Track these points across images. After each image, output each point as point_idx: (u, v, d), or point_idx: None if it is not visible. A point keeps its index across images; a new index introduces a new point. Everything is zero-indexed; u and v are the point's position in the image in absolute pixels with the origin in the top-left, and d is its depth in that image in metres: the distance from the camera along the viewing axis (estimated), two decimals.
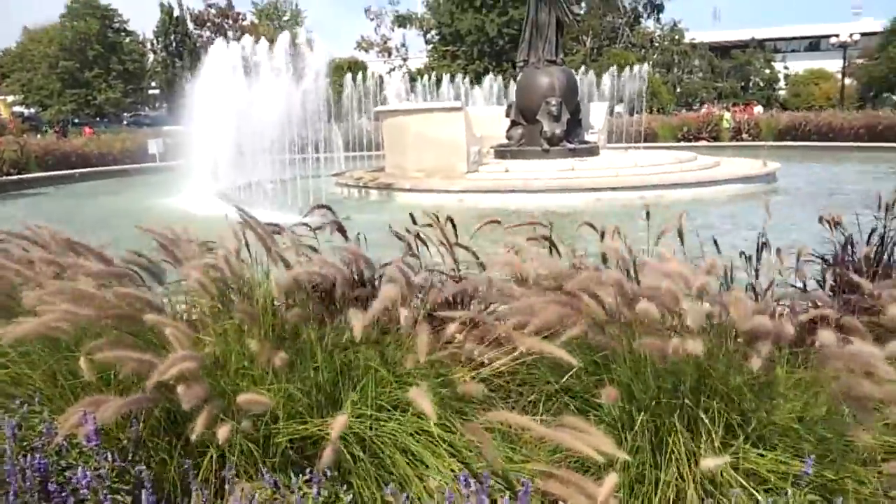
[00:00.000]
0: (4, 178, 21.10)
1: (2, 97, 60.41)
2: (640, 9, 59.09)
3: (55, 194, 19.81)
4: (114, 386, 2.34)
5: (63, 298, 2.18)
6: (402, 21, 56.51)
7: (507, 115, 18.14)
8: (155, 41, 55.89)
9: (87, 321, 2.21)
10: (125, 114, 52.92)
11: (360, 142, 25.35)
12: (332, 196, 14.84)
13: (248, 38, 18.51)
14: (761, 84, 62.94)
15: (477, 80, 35.55)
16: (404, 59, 58.24)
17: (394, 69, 55.18)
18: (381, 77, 33.36)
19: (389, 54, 59.47)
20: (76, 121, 50.44)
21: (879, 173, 19.44)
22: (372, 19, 59.14)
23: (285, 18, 75.62)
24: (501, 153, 17.37)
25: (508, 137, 17.89)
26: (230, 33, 71.11)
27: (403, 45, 59.51)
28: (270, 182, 16.14)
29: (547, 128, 16.84)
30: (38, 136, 33.05)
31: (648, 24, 61.10)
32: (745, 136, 29.64)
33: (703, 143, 29.27)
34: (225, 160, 17.15)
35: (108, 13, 53.16)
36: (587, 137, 18.52)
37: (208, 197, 15.64)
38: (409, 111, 16.92)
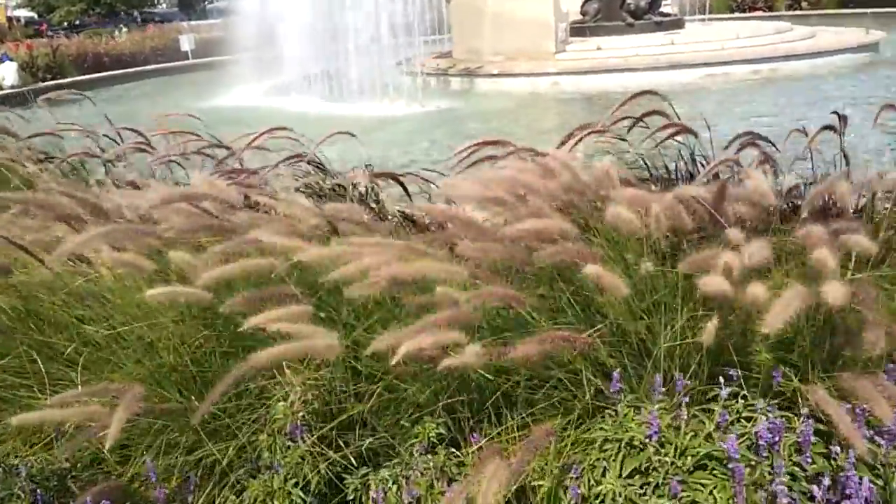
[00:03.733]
0: (42, 83, 20.00)
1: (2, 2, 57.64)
2: None
3: (101, 98, 18.67)
4: None
5: None
6: None
7: None
8: None
9: None
10: (136, 12, 50.49)
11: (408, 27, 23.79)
12: (407, 86, 13.75)
13: None
14: None
15: None
16: None
17: None
18: None
19: None
20: (77, 23, 48.22)
21: None
22: None
23: None
24: (578, 30, 16.12)
25: (583, 13, 16.60)
26: None
27: None
28: (330, 73, 15.02)
29: (630, 0, 15.63)
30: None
31: None
32: (804, 4, 27.87)
33: (759, 13, 27.60)
34: (275, 54, 16.08)
35: None
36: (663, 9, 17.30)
37: (270, 92, 14.65)
38: None
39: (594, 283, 1.83)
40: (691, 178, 3.41)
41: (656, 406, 1.75)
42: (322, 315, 1.93)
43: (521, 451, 1.51)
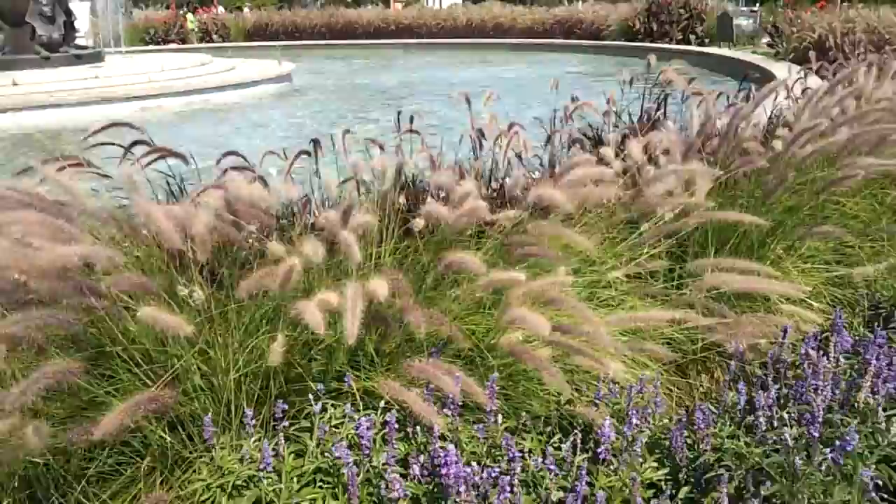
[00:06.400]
0: None
1: None
2: None
3: None
4: None
5: None
6: None
7: None
8: None
9: None
10: None
11: None
12: None
13: None
14: None
15: None
16: None
17: None
18: None
19: None
20: None
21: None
22: None
23: None
24: None
25: None
26: None
27: None
28: None
29: (42, 32, 14.53)
30: None
31: None
32: (214, 37, 29.39)
33: (174, 45, 28.20)
34: None
35: None
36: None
37: None
38: None
39: (154, 326, 1.70)
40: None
41: (253, 439, 1.71)
42: None
43: None
